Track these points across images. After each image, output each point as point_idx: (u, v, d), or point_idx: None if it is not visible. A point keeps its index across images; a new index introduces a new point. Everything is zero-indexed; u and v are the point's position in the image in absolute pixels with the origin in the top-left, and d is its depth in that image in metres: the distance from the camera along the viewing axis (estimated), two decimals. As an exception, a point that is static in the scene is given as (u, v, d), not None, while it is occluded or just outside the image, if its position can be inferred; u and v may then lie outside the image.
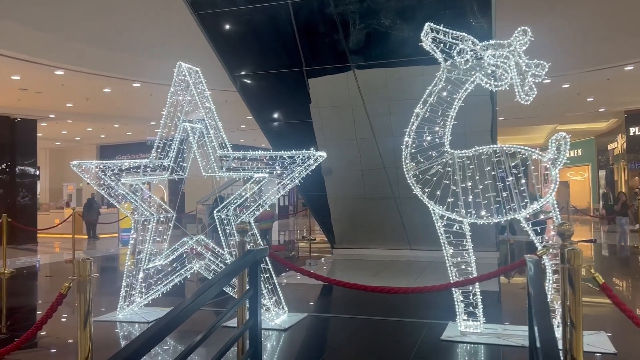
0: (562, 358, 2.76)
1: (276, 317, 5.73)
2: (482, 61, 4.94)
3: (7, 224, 10.25)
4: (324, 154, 5.78)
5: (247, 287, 3.42)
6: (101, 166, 6.17)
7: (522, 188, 4.93)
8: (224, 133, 6.13)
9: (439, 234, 5.18)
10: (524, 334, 4.94)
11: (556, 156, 4.79)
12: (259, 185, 5.96)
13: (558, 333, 3.15)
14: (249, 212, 5.91)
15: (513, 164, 4.97)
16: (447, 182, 5.06)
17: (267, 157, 5.82)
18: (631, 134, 18.92)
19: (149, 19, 10.48)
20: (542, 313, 2.10)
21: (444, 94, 5.06)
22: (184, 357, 2.68)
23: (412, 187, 5.18)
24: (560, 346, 2.92)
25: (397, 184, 10.06)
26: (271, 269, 5.80)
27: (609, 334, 4.98)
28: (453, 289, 5.14)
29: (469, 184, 5.02)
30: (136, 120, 19.59)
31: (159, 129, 6.16)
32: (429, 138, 5.10)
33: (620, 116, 19.52)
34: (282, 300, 5.91)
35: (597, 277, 2.89)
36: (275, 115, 10.73)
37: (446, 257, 5.15)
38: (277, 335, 5.38)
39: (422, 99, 5.11)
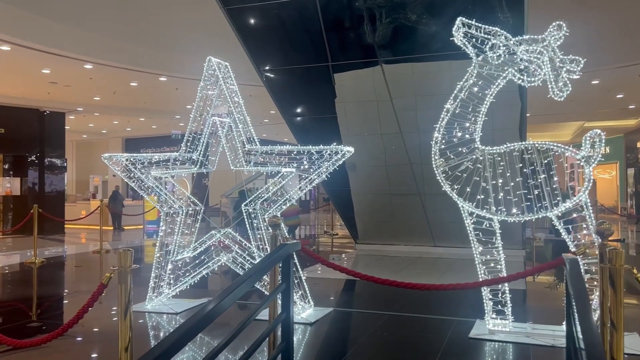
0: None
1: (302, 311, 5.75)
2: (515, 56, 4.86)
3: (37, 214, 10.49)
4: (351, 149, 5.77)
5: (280, 281, 3.44)
6: (131, 159, 6.27)
7: (554, 186, 4.85)
8: (252, 127, 6.17)
9: (468, 231, 5.13)
10: (552, 334, 4.89)
11: (590, 154, 4.70)
12: (286, 180, 5.98)
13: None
14: (276, 206, 5.94)
15: (545, 161, 4.89)
16: (477, 178, 5.01)
17: (295, 152, 5.83)
18: (662, 131, 18.46)
19: (177, 14, 10.57)
20: (584, 313, 2.07)
21: (475, 89, 5.00)
22: (218, 352, 2.71)
23: (441, 184, 5.14)
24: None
25: (422, 179, 10.00)
26: (297, 263, 5.82)
27: (642, 336, 4.88)
28: (482, 286, 5.10)
29: (500, 181, 4.96)
30: (161, 113, 19.83)
31: (189, 123, 6.23)
32: (459, 134, 5.05)
33: (650, 113, 19.05)
34: (308, 294, 5.94)
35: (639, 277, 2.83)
36: (300, 110, 10.74)
37: (475, 255, 5.10)
38: (304, 329, 5.41)
39: (453, 95, 5.06)
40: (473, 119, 5.03)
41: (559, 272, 8.42)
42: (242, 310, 6.20)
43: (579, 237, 4.83)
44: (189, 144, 6.19)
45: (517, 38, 4.87)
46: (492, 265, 5.03)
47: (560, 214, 4.85)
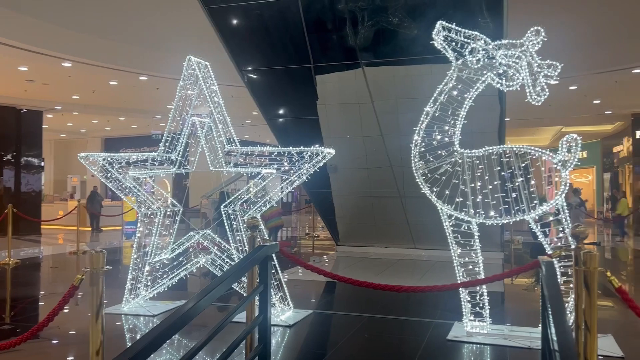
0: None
1: (282, 313, 5.72)
2: (494, 61, 4.91)
3: (12, 214, 10.27)
4: (332, 151, 5.76)
5: (258, 283, 3.41)
6: (109, 159, 6.17)
7: (531, 189, 4.91)
8: (232, 128, 6.12)
9: (447, 234, 5.17)
10: (529, 336, 4.95)
11: (567, 158, 4.76)
12: (266, 182, 5.95)
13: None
14: (255, 207, 5.90)
15: (523, 164, 4.95)
16: (456, 181, 5.04)
17: (275, 153, 5.80)
18: (637, 137, 18.81)
19: (158, 12, 10.47)
20: (558, 315, 2.08)
21: (455, 93, 5.04)
22: (194, 354, 2.68)
23: (421, 186, 5.16)
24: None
25: (403, 182, 10.05)
26: (277, 265, 5.79)
27: (616, 338, 4.96)
28: (460, 289, 5.13)
29: (478, 184, 5.00)
30: (142, 113, 19.60)
31: (168, 123, 6.16)
32: (438, 137, 5.08)
33: (626, 119, 19.41)
34: (288, 297, 5.91)
35: (613, 280, 2.87)
36: (282, 111, 10.71)
37: (454, 257, 5.13)
38: (283, 332, 5.38)
39: (433, 98, 5.09)
40: (452, 122, 5.06)
41: (537, 274, 8.52)
42: (221, 312, 6.14)
43: (555, 239, 4.89)
44: (167, 144, 6.12)
45: (496, 42, 4.92)
46: (470, 267, 5.07)
47: (537, 217, 4.91)
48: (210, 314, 5.90)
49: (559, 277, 4.89)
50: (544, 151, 5.00)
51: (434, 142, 5.10)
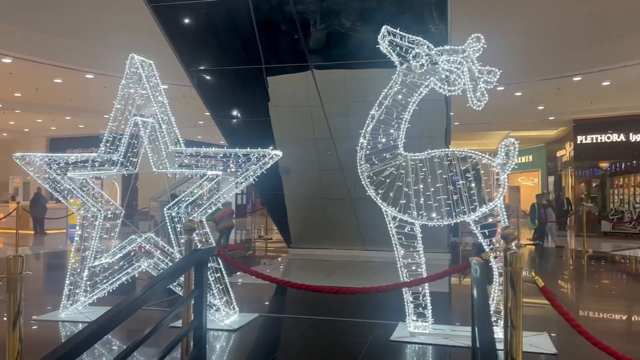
0: (502, 358, 2.83)
1: (226, 317, 5.64)
2: (437, 66, 5.01)
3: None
4: (279, 153, 5.73)
5: (193, 287, 3.34)
6: (46, 159, 5.93)
7: (472, 192, 5.03)
8: (177, 128, 5.99)
9: (391, 235, 5.24)
10: (470, 335, 5.06)
11: (505, 161, 4.92)
12: (212, 183, 5.85)
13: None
14: (200, 210, 5.79)
15: (464, 167, 5.07)
16: (400, 184, 5.11)
17: (222, 155, 5.72)
18: (578, 142, 19.69)
19: (103, 8, 10.13)
20: (482, 314, 2.13)
21: (399, 97, 5.12)
22: (125, 356, 2.59)
23: (366, 188, 5.22)
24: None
25: (354, 184, 10.12)
26: (222, 269, 5.70)
27: (552, 335, 5.15)
28: (403, 289, 5.20)
29: (421, 186, 5.09)
30: (89, 112, 18.92)
31: (109, 122, 5.97)
32: (383, 140, 5.15)
33: (569, 125, 20.28)
34: (233, 301, 5.83)
35: (537, 279, 2.97)
36: (233, 113, 10.58)
37: (397, 258, 5.21)
38: (227, 336, 5.30)
39: (378, 102, 5.16)
40: (397, 125, 5.14)
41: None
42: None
43: (494, 240, 5.03)
44: (109, 144, 5.93)
45: (438, 48, 5.03)
46: (413, 268, 5.15)
47: (477, 219, 5.04)
48: (150, 319, 5.74)
49: (497, 277, 5.04)
50: (484, 155, 5.14)
51: (379, 145, 5.16)
